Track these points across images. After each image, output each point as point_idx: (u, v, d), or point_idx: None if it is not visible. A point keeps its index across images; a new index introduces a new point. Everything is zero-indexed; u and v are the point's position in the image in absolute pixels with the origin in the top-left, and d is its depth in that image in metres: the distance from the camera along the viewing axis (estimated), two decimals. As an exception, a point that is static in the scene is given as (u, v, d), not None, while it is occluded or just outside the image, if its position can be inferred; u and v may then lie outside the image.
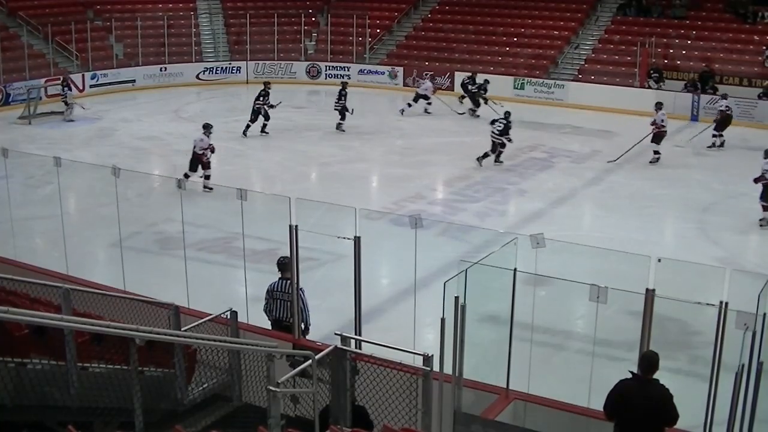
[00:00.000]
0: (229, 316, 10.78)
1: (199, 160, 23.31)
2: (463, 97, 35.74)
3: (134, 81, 39.67)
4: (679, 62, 38.48)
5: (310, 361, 8.79)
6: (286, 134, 29.89)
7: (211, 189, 22.78)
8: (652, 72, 37.58)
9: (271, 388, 8.39)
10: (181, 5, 44.48)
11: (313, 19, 44.92)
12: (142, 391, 8.46)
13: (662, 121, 26.95)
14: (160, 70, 40.45)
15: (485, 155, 26.04)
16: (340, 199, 18.09)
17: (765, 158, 21.89)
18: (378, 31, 43.96)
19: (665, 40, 39.41)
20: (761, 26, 39.36)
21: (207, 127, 23.68)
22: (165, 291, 12.93)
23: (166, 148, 28.40)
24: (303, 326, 11.95)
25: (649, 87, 36.97)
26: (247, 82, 41.17)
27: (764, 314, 8.71)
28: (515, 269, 9.82)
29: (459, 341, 9.24)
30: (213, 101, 37.07)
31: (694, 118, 34.37)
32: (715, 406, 9.48)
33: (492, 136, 26.17)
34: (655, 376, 8.64)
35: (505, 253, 9.66)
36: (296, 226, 11.17)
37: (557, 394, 10.51)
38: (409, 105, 34.17)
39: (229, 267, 17.02)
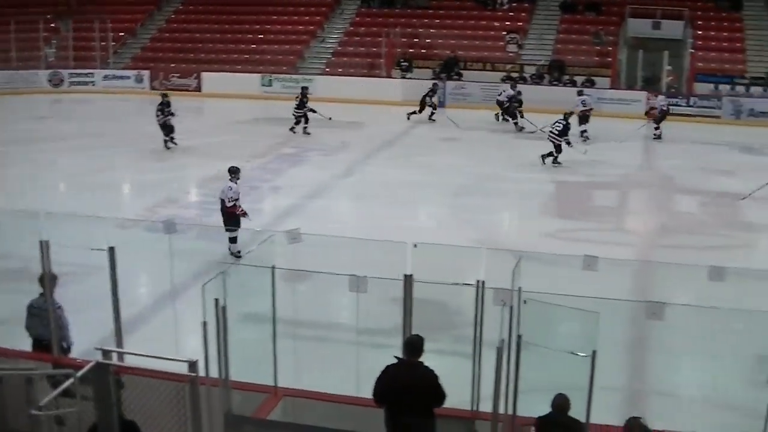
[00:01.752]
0: (-18, 341, 10.33)
1: (230, 216, 17.81)
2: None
3: None
4: (424, 50, 39.46)
5: (72, 379, 8.52)
6: (29, 146, 28.79)
7: (239, 256, 16.84)
8: (401, 61, 38.35)
9: (33, 411, 8.09)
10: None
11: (53, 25, 43.37)
12: None
13: (662, 105, 27.53)
14: None
15: (550, 154, 25.93)
16: (91, 209, 17.61)
17: (578, 96, 26.46)
18: (121, 35, 43.12)
19: (410, 29, 40.37)
20: (501, 12, 41.04)
21: (234, 172, 18.09)
22: None
23: None
24: (65, 345, 11.59)
25: (401, 76, 37.83)
26: (-15, 94, 39.50)
27: (519, 289, 9.00)
28: (273, 266, 9.81)
29: (223, 344, 9.16)
30: (-50, 116, 35.32)
31: (441, 104, 35.28)
32: (481, 382, 9.76)
33: (551, 137, 26.03)
34: (421, 358, 8.80)
35: (263, 251, 9.64)
36: (47, 241, 10.81)
37: (326, 387, 10.58)
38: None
39: (-21, 289, 16.31)
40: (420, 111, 32.78)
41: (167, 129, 27.85)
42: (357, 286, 9.49)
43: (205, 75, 39.33)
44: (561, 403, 8.53)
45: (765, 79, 36.07)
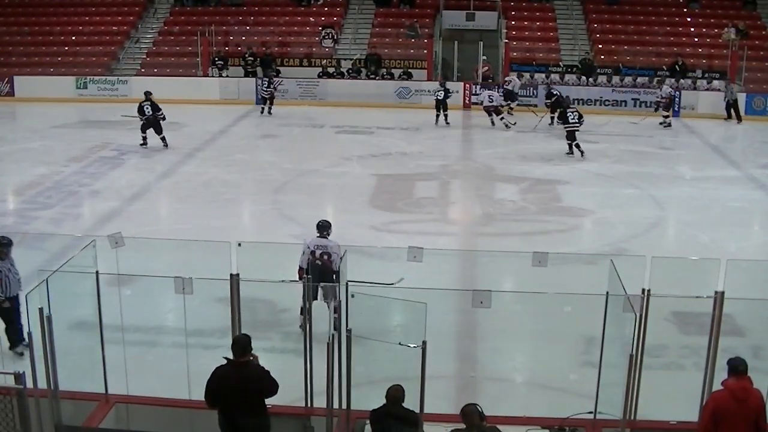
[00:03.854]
0: None
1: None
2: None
3: None
4: (240, 48, 39.24)
5: None
6: None
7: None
8: (217, 60, 38.08)
9: None
10: None
11: None
12: None
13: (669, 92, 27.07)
14: None
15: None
16: None
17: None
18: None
19: (224, 27, 40.13)
20: (315, 8, 41.16)
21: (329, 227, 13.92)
22: None
23: None
24: None
25: (217, 75, 37.62)
26: None
27: (347, 283, 9.09)
28: (97, 272, 9.65)
29: (50, 353, 8.97)
30: None
31: (260, 101, 35.19)
32: (313, 378, 9.82)
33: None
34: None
35: (85, 256, 9.46)
36: None
37: (158, 391, 10.49)
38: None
39: None
40: None
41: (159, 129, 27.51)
42: (183, 288, 9.40)
43: (17, 79, 38.09)
44: (395, 394, 8.65)
45: (578, 67, 37.17)
